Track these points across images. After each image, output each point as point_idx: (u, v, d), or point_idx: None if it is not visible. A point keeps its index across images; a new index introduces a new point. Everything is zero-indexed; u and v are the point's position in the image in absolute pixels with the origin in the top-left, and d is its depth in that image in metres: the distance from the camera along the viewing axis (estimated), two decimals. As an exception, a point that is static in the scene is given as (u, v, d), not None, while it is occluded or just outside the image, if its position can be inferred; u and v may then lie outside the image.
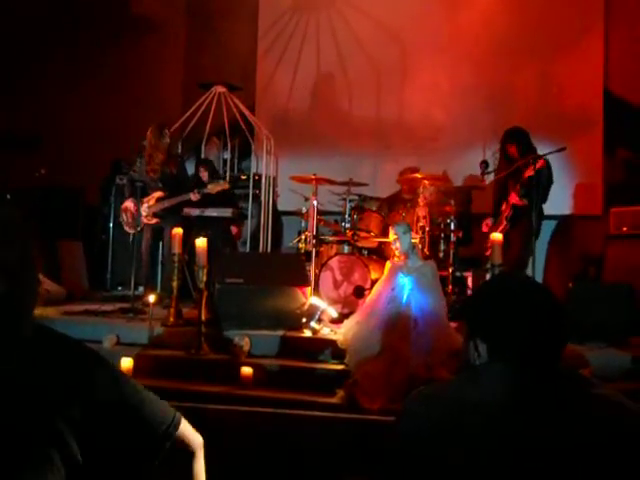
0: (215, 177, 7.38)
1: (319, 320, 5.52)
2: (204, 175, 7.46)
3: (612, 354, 5.02)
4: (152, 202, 6.60)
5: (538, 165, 5.87)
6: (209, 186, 6.62)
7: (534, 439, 1.42)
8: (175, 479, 1.43)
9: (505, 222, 6.35)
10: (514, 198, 6.24)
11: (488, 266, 5.46)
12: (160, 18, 9.29)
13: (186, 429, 1.44)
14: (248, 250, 7.66)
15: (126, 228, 6.72)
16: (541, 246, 7.18)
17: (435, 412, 1.51)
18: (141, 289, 6.67)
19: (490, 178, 7.02)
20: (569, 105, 8.09)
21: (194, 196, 6.46)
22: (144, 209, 6.59)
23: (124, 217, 6.70)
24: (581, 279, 7.34)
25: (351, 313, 5.55)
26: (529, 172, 5.96)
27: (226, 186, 6.75)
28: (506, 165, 6.46)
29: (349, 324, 5.25)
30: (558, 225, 7.98)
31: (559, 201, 6.71)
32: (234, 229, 7.56)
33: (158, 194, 6.60)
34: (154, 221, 6.61)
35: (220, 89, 8.00)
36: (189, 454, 1.44)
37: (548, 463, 1.41)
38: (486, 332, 1.58)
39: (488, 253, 5.83)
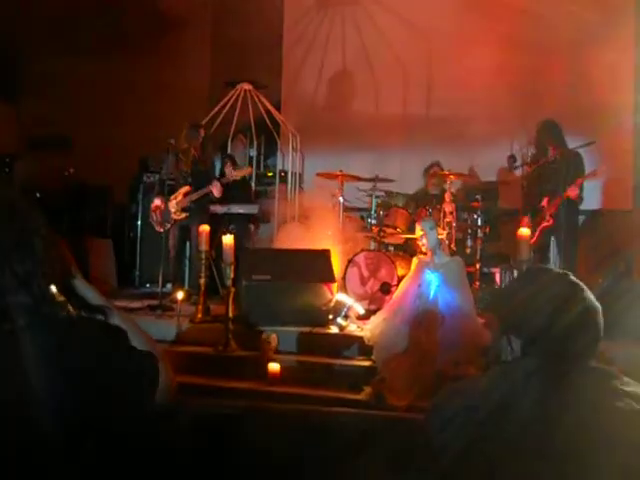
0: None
1: (346, 317, 5.52)
2: (230, 169, 7.53)
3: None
4: (180, 197, 6.65)
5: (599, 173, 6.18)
6: (233, 172, 6.67)
7: (566, 435, 1.40)
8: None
9: (549, 218, 6.27)
10: (573, 191, 6.16)
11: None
12: (185, 16, 9.33)
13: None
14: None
15: (157, 227, 6.73)
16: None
17: (466, 408, 1.50)
18: (169, 286, 6.72)
19: (518, 173, 6.96)
20: (598, 98, 7.96)
21: (215, 189, 6.48)
22: (172, 205, 6.63)
23: (154, 217, 6.74)
24: (611, 275, 7.23)
25: (378, 309, 5.54)
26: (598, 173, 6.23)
27: (249, 171, 6.79)
28: (541, 158, 6.40)
29: (376, 321, 5.24)
30: (587, 220, 7.88)
31: (588, 195, 6.62)
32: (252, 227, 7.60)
33: (185, 189, 6.65)
34: (183, 216, 6.65)
35: (246, 86, 8.04)
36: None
37: (577, 458, 1.39)
38: (520, 328, 1.55)
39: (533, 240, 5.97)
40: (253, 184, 7.97)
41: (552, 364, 1.49)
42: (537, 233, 6.29)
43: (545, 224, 6.28)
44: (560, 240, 6.25)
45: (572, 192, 6.14)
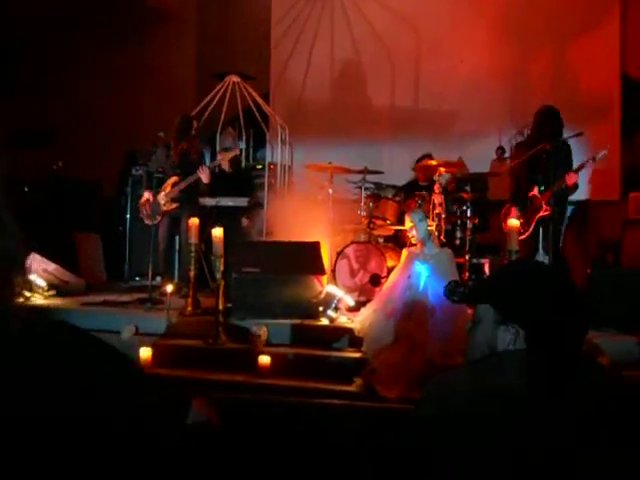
0: (234, 163, 7.37)
1: (336, 308, 5.53)
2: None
3: (626, 341, 4.96)
4: (168, 189, 6.60)
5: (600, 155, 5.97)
6: (219, 157, 6.63)
7: (560, 427, 1.41)
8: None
9: (547, 207, 6.09)
10: (573, 179, 5.91)
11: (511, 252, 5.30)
12: (172, 9, 9.29)
13: None
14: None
15: (146, 221, 6.68)
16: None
17: (456, 398, 1.50)
18: (159, 279, 6.70)
19: (507, 164, 6.96)
20: (586, 89, 8.00)
21: (203, 175, 6.40)
22: (161, 197, 6.58)
23: (143, 211, 6.67)
24: (599, 265, 7.28)
25: (368, 301, 5.55)
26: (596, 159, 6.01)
27: (237, 151, 6.72)
28: (533, 146, 6.22)
29: (366, 312, 5.25)
30: (575, 211, 7.90)
31: (576, 186, 6.63)
32: (245, 221, 7.57)
33: (173, 179, 6.59)
34: (173, 206, 6.58)
35: (234, 79, 8.00)
36: None
37: (572, 452, 1.40)
38: (525, 318, 1.53)
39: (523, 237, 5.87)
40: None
41: (546, 355, 1.49)
42: (533, 222, 6.11)
43: (542, 213, 6.12)
44: (550, 230, 6.16)
45: (572, 179, 5.90)
